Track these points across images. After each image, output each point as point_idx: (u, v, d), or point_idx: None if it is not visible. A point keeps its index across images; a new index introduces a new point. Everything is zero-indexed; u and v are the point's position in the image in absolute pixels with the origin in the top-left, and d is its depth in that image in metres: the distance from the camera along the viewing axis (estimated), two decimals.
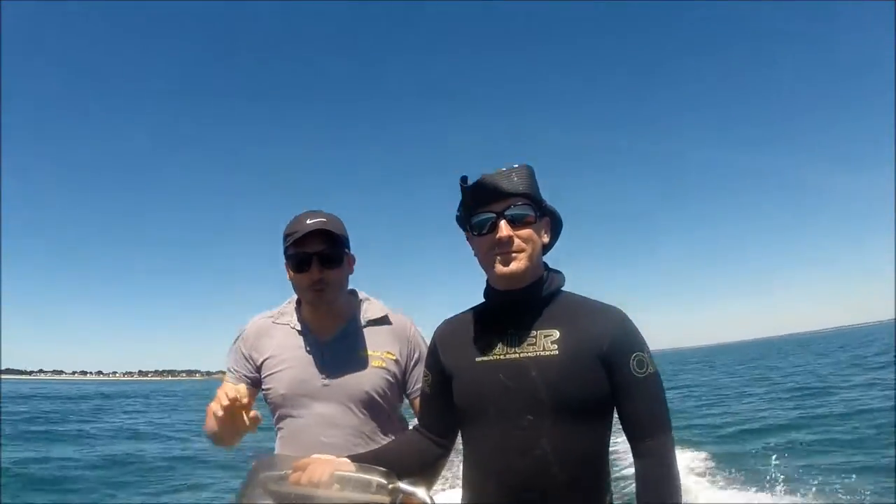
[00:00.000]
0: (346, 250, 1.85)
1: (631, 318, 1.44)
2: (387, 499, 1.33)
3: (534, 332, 1.40)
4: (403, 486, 1.35)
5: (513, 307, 1.44)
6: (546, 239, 1.49)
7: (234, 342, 1.96)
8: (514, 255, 1.39)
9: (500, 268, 1.40)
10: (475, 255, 1.48)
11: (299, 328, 1.90)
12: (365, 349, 1.86)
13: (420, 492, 1.35)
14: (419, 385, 1.77)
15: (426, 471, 1.55)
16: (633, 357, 1.36)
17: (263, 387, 1.90)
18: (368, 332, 1.89)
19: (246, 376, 1.91)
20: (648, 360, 1.38)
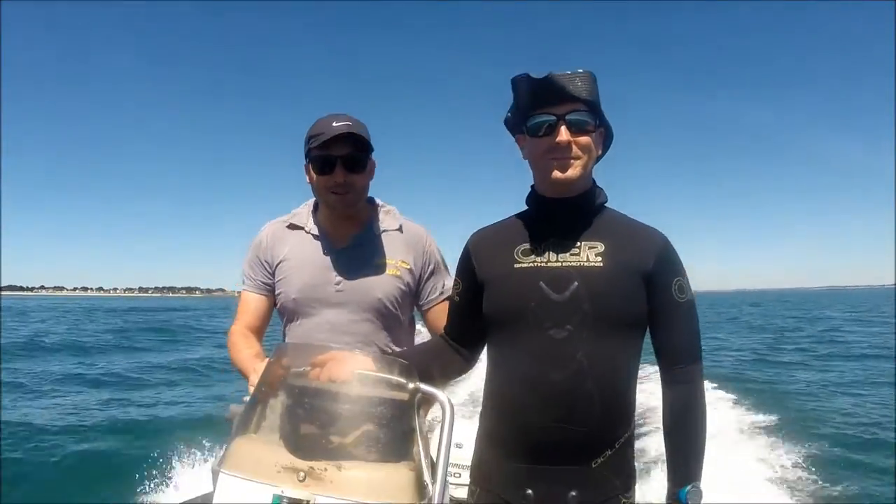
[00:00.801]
0: (370, 155, 1.80)
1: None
2: (405, 396, 1.34)
3: (578, 243, 1.37)
4: (423, 386, 1.35)
5: (558, 216, 1.40)
6: (599, 151, 1.43)
7: (250, 249, 1.93)
8: (571, 161, 1.34)
9: (555, 173, 1.34)
10: (525, 157, 1.43)
11: (315, 233, 1.87)
12: (381, 257, 1.83)
13: (440, 394, 1.35)
14: (432, 297, 1.88)
15: (447, 379, 1.56)
16: (675, 281, 1.35)
17: (276, 291, 1.88)
18: (384, 240, 1.86)
19: (263, 283, 1.89)
20: (688, 286, 1.38)
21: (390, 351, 1.77)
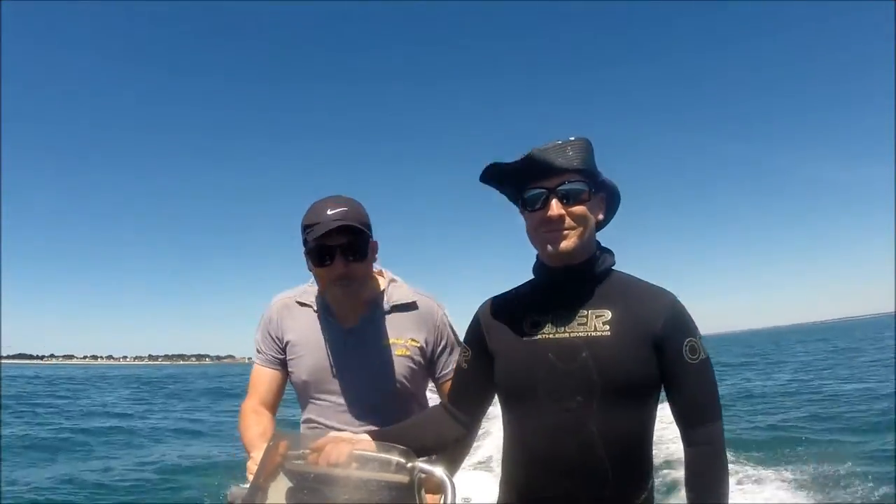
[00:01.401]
0: (370, 237, 1.74)
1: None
2: (406, 478, 1.33)
3: (584, 312, 1.37)
4: (422, 465, 1.35)
5: (563, 285, 1.40)
6: (601, 216, 1.44)
7: (260, 322, 1.93)
8: (564, 232, 1.35)
9: (549, 247, 1.36)
10: (527, 230, 1.44)
11: (322, 312, 1.85)
12: (389, 337, 1.80)
13: (438, 470, 1.34)
14: (446, 371, 1.83)
15: (446, 448, 1.56)
16: (686, 343, 1.33)
17: (289, 368, 1.87)
18: (392, 319, 1.83)
19: (274, 357, 1.88)
20: (700, 346, 1.35)
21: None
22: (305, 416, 1.87)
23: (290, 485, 1.38)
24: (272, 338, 1.87)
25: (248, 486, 1.36)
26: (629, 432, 1.33)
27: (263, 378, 1.87)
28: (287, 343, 1.85)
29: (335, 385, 1.79)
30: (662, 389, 1.38)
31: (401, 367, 1.78)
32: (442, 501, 1.31)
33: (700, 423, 1.33)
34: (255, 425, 1.75)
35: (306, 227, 1.68)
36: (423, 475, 1.34)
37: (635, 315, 1.34)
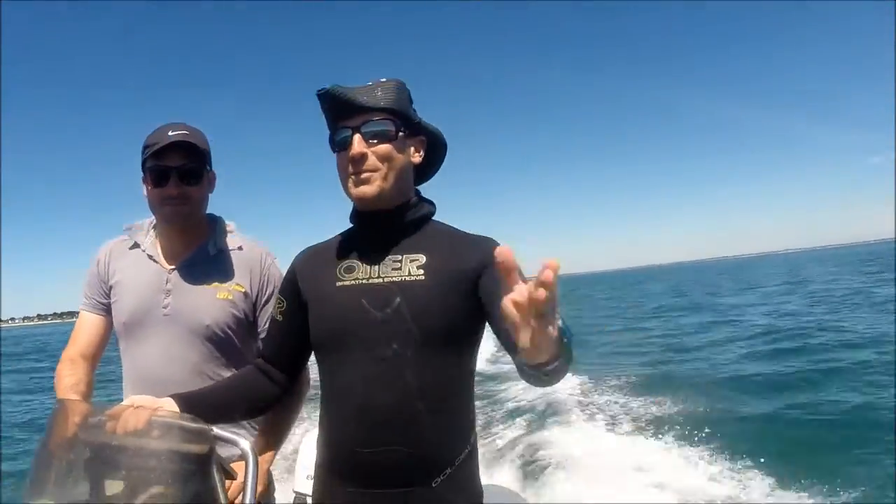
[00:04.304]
0: (208, 167, 1.73)
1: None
2: (201, 447, 1.22)
3: (399, 256, 1.32)
4: (220, 433, 1.26)
5: (377, 231, 1.35)
6: (417, 159, 1.38)
7: (89, 266, 1.87)
8: (367, 173, 1.29)
9: (352, 188, 1.31)
10: (338, 173, 1.36)
11: (149, 252, 1.78)
12: (213, 279, 1.73)
13: (241, 440, 1.27)
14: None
15: (262, 411, 1.53)
16: None
17: (112, 314, 1.79)
18: (218, 262, 1.76)
19: (98, 301, 1.82)
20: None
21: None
22: (125, 366, 1.77)
23: (76, 457, 1.26)
24: (98, 281, 1.81)
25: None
26: (448, 382, 1.29)
27: (85, 324, 1.81)
28: (112, 286, 1.78)
29: (154, 327, 1.70)
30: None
31: (222, 311, 1.70)
32: (244, 473, 1.25)
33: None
34: (69, 376, 1.71)
35: (146, 148, 1.66)
36: (221, 443, 1.25)
37: (452, 259, 1.30)
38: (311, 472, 1.42)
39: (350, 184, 1.30)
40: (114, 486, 1.20)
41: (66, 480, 1.21)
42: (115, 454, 1.20)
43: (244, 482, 1.23)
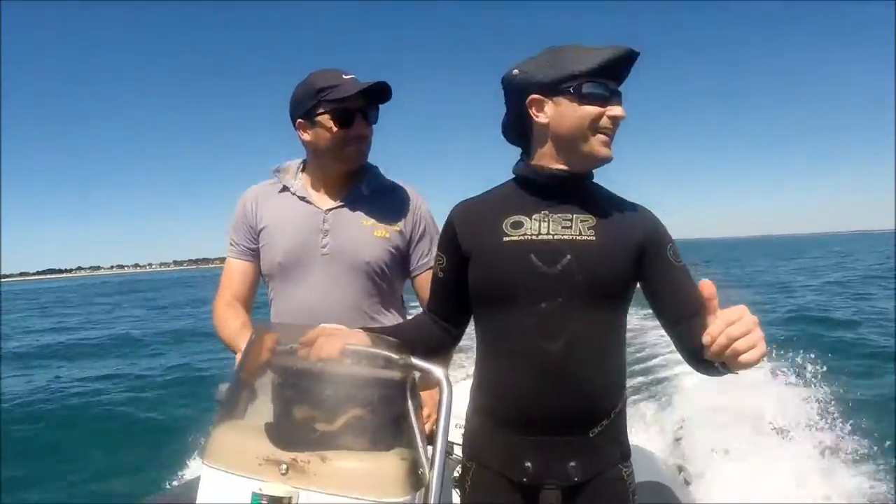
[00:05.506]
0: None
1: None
2: (397, 374, 1.26)
3: (569, 216, 1.31)
4: (416, 361, 1.26)
5: (551, 188, 1.33)
6: None
7: (234, 214, 1.86)
8: (609, 139, 1.30)
9: (600, 148, 1.29)
10: (548, 121, 1.30)
11: (301, 194, 1.78)
12: (370, 218, 1.76)
13: (436, 370, 1.25)
14: (423, 261, 1.81)
15: (435, 359, 1.41)
16: (669, 247, 1.34)
17: (261, 257, 1.80)
18: (374, 202, 1.79)
19: (247, 248, 1.82)
20: (680, 253, 1.37)
21: (377, 320, 1.73)
22: (275, 308, 1.78)
23: (273, 382, 1.32)
24: (246, 227, 1.81)
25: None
26: (609, 335, 1.31)
27: (236, 270, 1.81)
28: (262, 230, 1.78)
29: (311, 266, 1.72)
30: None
31: (380, 249, 1.74)
32: (438, 400, 1.25)
33: (693, 313, 1.25)
34: (234, 318, 1.74)
35: (323, 90, 1.67)
36: (417, 373, 1.28)
37: (618, 222, 1.32)
38: (460, 421, 1.41)
39: (595, 143, 1.28)
40: (303, 411, 1.24)
41: (254, 405, 1.27)
42: (308, 380, 1.25)
43: (438, 410, 1.22)
